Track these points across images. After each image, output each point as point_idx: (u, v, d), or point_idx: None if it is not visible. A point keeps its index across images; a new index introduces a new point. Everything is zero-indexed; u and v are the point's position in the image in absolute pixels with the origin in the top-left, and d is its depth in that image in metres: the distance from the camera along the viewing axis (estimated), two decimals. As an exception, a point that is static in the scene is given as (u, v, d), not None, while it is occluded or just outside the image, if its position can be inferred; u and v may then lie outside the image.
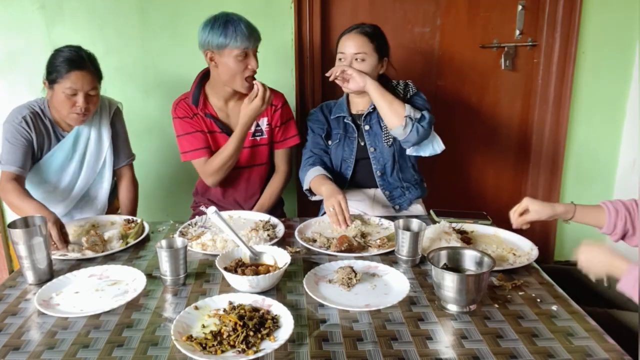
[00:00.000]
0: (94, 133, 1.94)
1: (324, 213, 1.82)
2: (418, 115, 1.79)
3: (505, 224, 1.57)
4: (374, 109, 1.93)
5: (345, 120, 2.00)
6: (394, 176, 1.98)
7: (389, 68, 2.00)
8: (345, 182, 1.99)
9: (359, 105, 2.03)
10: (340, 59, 1.93)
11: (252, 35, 1.85)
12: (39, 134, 1.85)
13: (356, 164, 1.99)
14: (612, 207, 1.42)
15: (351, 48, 1.89)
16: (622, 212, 1.41)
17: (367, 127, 1.98)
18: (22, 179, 1.78)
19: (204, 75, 2.01)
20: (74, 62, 1.75)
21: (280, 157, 2.13)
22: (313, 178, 1.89)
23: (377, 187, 1.99)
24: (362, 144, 1.99)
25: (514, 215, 1.49)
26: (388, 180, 1.98)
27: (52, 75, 1.76)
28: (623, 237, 1.44)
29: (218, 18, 1.85)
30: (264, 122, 2.06)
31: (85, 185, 1.97)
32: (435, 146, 1.88)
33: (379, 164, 1.97)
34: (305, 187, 1.95)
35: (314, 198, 1.97)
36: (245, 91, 1.92)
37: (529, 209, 1.46)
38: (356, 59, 1.88)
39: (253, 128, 2.05)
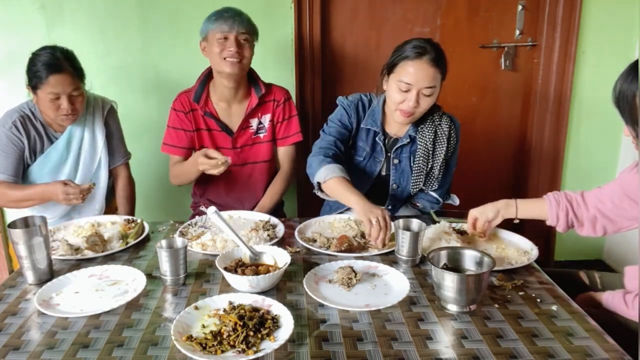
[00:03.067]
0: (88, 133, 1.93)
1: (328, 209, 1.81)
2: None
3: (505, 224, 1.57)
4: (409, 141, 1.79)
5: (377, 138, 1.81)
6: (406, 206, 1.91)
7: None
8: None
9: (394, 127, 1.83)
10: (403, 90, 1.66)
11: (235, 22, 1.85)
12: (31, 137, 1.84)
13: (373, 182, 1.86)
14: (554, 199, 1.47)
15: (422, 81, 1.64)
16: (562, 204, 1.46)
17: (396, 161, 1.82)
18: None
19: (209, 73, 2.02)
20: (50, 66, 1.72)
21: (283, 155, 2.12)
22: (332, 178, 1.63)
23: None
24: (384, 173, 1.84)
25: (470, 230, 1.55)
26: (399, 210, 1.89)
27: (33, 81, 1.75)
28: (571, 227, 1.49)
29: (222, 9, 1.89)
30: (266, 119, 2.06)
31: None
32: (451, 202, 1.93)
33: (397, 202, 1.85)
34: (317, 179, 1.68)
35: (321, 195, 1.75)
36: (228, 70, 1.89)
37: (476, 216, 1.52)
38: (424, 94, 1.66)
39: (255, 125, 2.06)
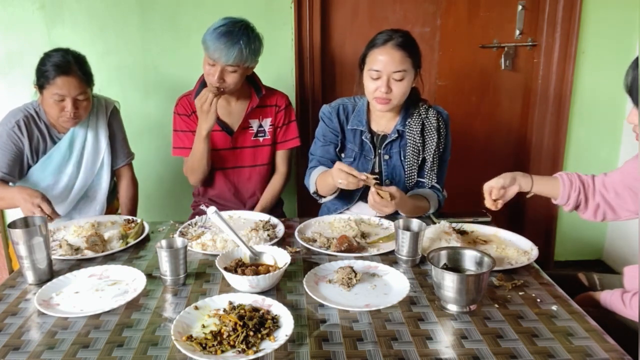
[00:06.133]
0: (91, 134, 1.93)
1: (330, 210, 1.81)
2: (437, 207, 1.79)
3: (506, 224, 1.57)
4: (398, 135, 1.80)
5: (363, 137, 1.83)
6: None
7: (417, 79, 1.78)
8: (354, 198, 1.88)
9: (380, 123, 1.84)
10: (374, 78, 1.70)
11: (224, 54, 1.80)
12: (34, 138, 1.84)
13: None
14: (567, 179, 1.47)
15: (389, 66, 1.67)
16: (575, 184, 1.46)
17: (386, 157, 1.82)
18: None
19: None
20: (59, 67, 1.72)
21: (281, 157, 2.14)
22: (316, 179, 1.81)
23: None
24: (377, 170, 1.83)
25: (487, 201, 1.51)
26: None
27: (40, 80, 1.75)
28: (577, 208, 1.49)
29: (226, 25, 1.83)
30: (267, 123, 2.07)
31: (84, 187, 1.96)
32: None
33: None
34: (312, 190, 1.85)
35: (324, 200, 1.87)
36: (213, 91, 1.89)
37: (492, 186, 1.48)
38: (394, 79, 1.69)
39: (255, 127, 2.06)
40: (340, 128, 1.87)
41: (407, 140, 1.80)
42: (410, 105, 1.81)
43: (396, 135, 1.81)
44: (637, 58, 1.20)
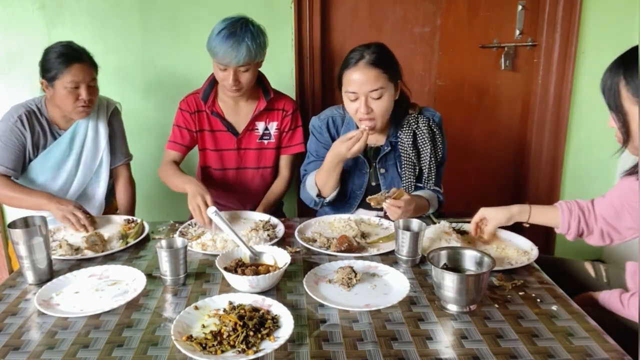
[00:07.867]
0: (91, 132, 1.94)
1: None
2: (437, 207, 1.77)
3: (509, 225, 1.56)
4: (391, 148, 1.78)
5: None
6: None
7: (399, 89, 1.75)
8: (353, 206, 1.87)
9: (371, 137, 1.77)
10: (352, 100, 1.66)
11: (234, 57, 1.80)
12: (35, 132, 1.86)
13: (365, 194, 1.83)
14: (566, 207, 1.47)
15: (365, 86, 1.62)
16: (575, 212, 1.46)
17: (382, 170, 1.81)
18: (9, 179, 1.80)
19: None
20: (71, 55, 1.77)
21: (284, 162, 2.14)
22: (315, 179, 1.78)
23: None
24: (374, 184, 1.83)
25: (473, 227, 1.54)
26: None
27: (51, 72, 1.77)
28: (580, 236, 1.49)
29: (227, 28, 1.82)
30: (273, 127, 2.07)
31: (82, 184, 1.97)
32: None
33: None
34: (314, 193, 1.80)
35: (328, 199, 1.81)
36: (228, 94, 1.94)
37: (486, 217, 1.51)
38: (372, 97, 1.64)
39: (261, 130, 2.06)
40: (331, 142, 1.82)
41: (400, 153, 1.78)
42: (400, 113, 1.78)
43: (389, 147, 1.79)
44: (613, 62, 1.20)
